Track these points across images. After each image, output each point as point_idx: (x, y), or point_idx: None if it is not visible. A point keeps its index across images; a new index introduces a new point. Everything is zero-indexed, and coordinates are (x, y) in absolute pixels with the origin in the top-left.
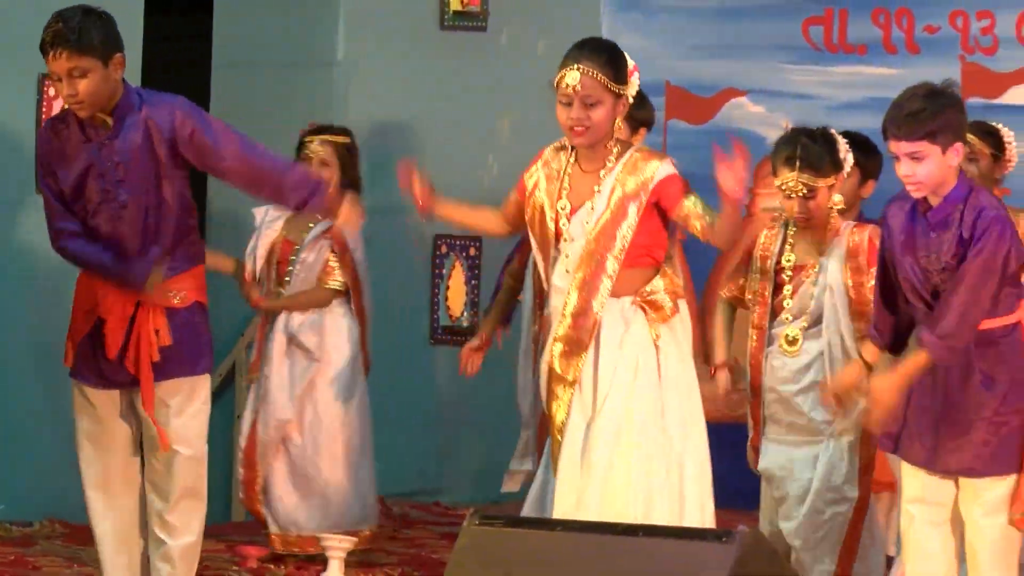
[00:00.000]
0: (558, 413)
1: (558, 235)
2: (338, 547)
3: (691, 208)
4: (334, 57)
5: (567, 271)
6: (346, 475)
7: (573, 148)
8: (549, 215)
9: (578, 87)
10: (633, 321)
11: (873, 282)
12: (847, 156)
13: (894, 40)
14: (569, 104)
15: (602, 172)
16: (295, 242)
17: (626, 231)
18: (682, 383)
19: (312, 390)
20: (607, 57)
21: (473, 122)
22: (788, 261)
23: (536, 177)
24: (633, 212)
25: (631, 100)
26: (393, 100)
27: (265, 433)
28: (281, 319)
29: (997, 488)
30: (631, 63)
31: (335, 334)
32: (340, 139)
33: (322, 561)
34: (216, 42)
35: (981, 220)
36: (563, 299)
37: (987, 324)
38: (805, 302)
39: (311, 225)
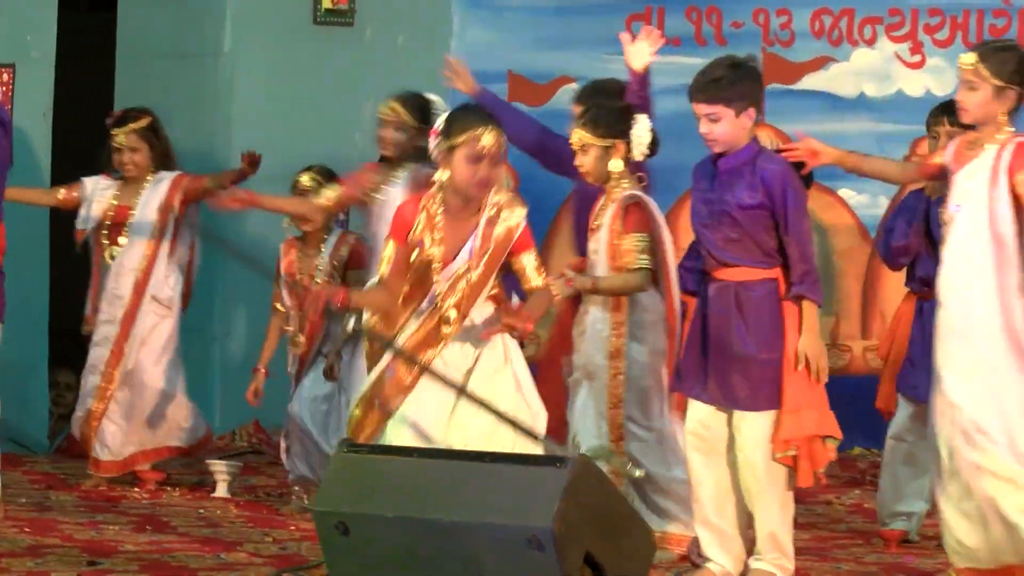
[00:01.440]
0: None
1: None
2: (223, 471)
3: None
4: (221, 48)
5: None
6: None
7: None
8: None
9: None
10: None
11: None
12: (641, 132)
13: (704, 33)
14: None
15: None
16: (130, 207)
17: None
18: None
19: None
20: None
21: (342, 105)
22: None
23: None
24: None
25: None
26: (274, 87)
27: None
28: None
29: (761, 423)
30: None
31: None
32: (141, 123)
33: (210, 484)
34: (120, 35)
35: (773, 174)
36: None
37: (751, 275)
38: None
39: (141, 191)
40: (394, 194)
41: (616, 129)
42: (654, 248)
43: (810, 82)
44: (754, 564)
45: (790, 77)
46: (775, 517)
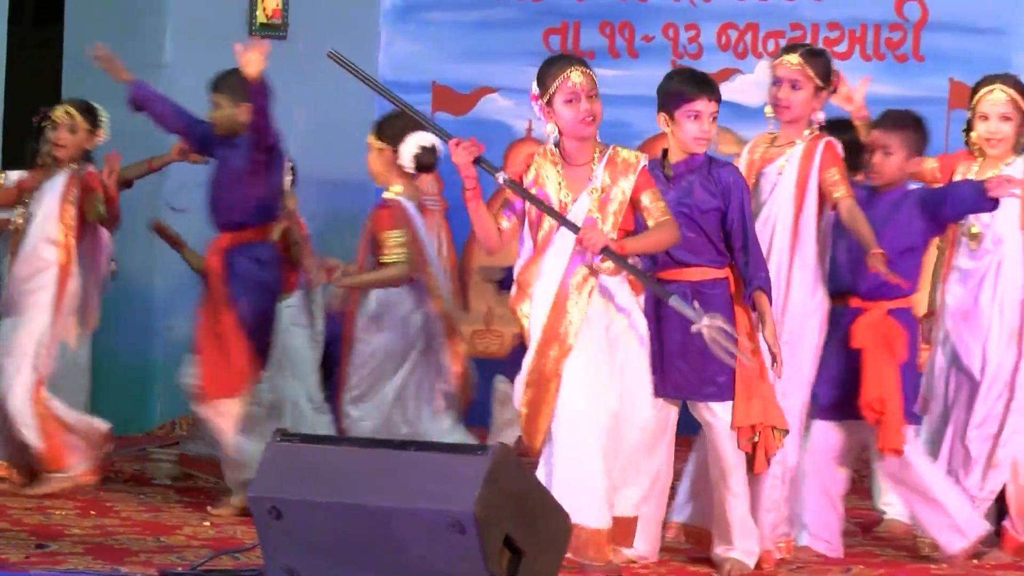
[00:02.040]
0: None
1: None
2: (164, 459)
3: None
4: (162, 59)
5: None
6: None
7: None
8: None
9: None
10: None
11: None
12: (406, 146)
13: (617, 47)
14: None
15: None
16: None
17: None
18: None
19: None
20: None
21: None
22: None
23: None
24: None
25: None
26: None
27: None
28: None
29: (728, 412)
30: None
31: None
32: (84, 105)
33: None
34: (66, 48)
35: (729, 178)
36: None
37: (707, 275)
38: None
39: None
40: (50, 193)
41: (392, 136)
42: (408, 245)
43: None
44: (727, 553)
45: None
46: (743, 503)
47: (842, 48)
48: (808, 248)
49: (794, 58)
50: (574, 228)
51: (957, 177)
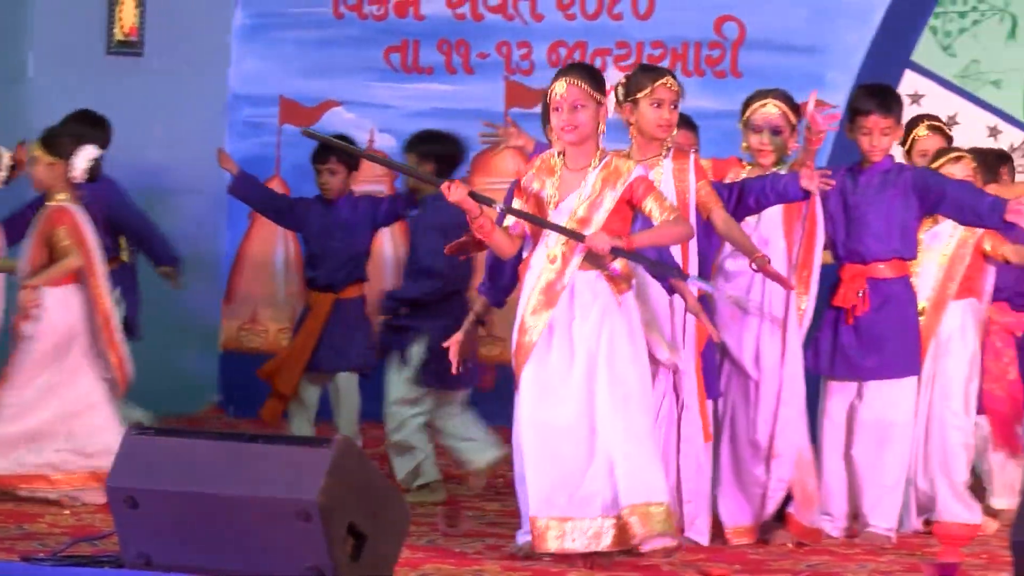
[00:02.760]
0: None
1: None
2: None
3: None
4: (25, 75)
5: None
6: None
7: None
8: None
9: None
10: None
11: None
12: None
13: (454, 64)
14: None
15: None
16: None
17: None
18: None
19: None
20: (588, 72)
21: (132, 129)
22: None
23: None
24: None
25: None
26: (72, 111)
27: None
28: None
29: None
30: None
31: None
32: None
33: None
34: None
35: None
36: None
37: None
38: None
39: None
40: None
41: (60, 151)
42: (77, 246)
43: None
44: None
45: (530, 102)
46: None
47: (664, 65)
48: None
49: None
50: (579, 237)
51: (728, 180)
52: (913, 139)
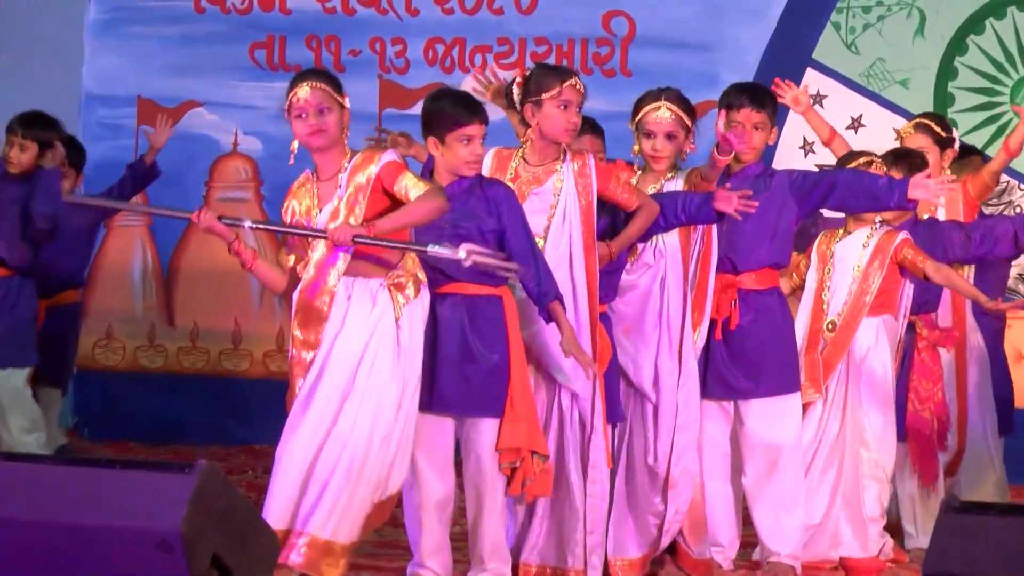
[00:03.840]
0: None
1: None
2: None
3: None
4: None
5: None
6: None
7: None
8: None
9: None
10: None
11: None
12: None
13: (324, 61)
14: None
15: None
16: None
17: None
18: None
19: None
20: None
21: None
22: None
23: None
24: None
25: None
26: None
27: None
28: None
29: (493, 429)
30: None
31: None
32: None
33: None
34: None
35: (500, 195)
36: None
37: (482, 291)
38: None
39: None
40: None
41: None
42: None
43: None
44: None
45: (405, 102)
46: (498, 524)
47: (550, 62)
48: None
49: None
50: (320, 234)
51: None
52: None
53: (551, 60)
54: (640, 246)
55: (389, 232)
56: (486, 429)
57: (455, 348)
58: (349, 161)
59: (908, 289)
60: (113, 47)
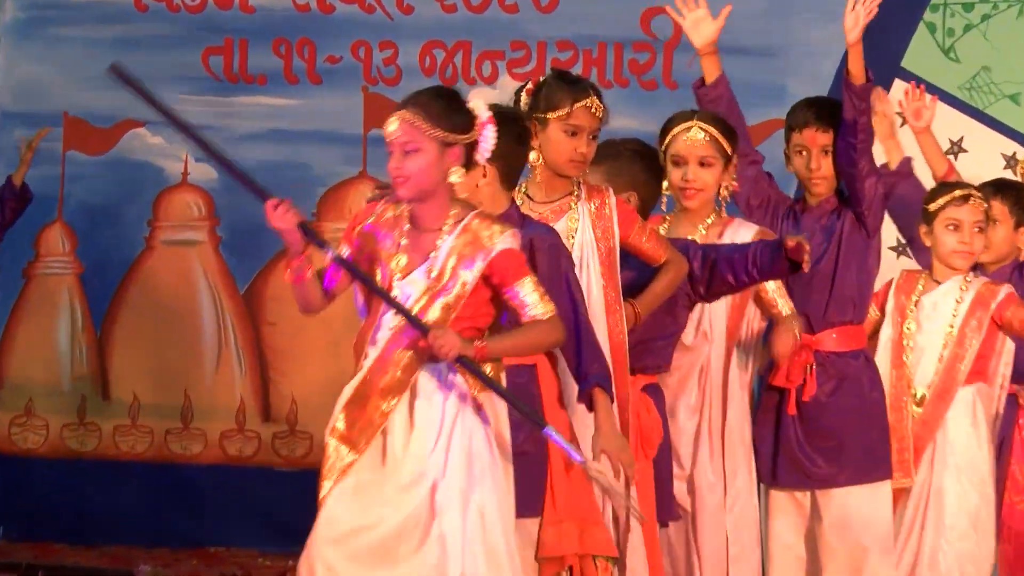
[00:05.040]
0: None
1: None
2: None
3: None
4: None
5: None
6: None
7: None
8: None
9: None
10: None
11: None
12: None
13: (295, 70)
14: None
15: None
16: None
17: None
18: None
19: None
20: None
21: None
22: None
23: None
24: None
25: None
26: None
27: None
28: None
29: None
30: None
31: None
32: None
33: None
34: None
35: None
36: None
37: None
38: None
39: None
40: None
41: None
42: None
43: None
44: None
45: None
46: None
47: (576, 72)
48: None
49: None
50: (422, 328)
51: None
52: None
53: (576, 68)
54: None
55: (499, 355)
56: (519, 532)
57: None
58: (457, 221)
59: (1008, 353)
60: (35, 53)
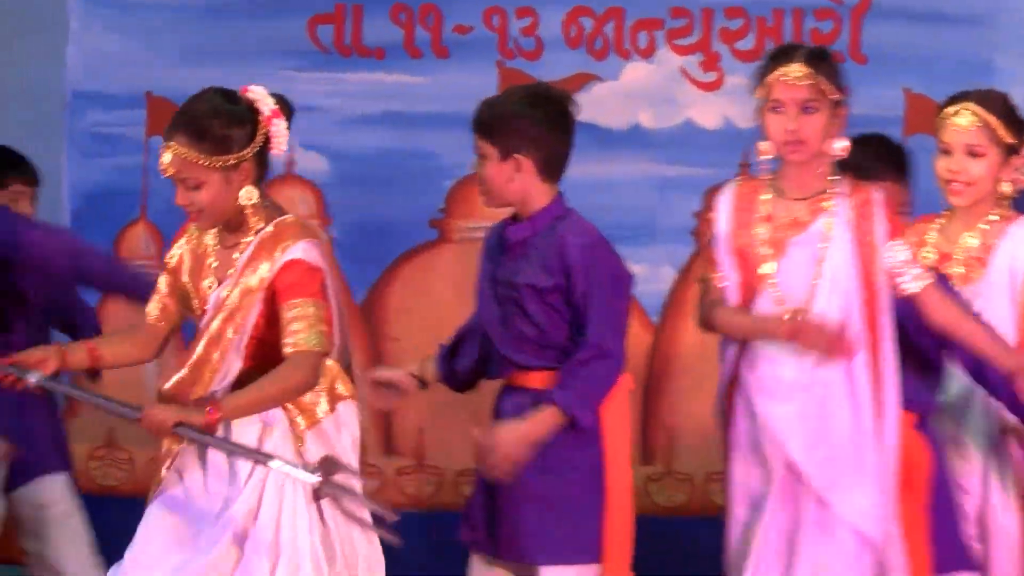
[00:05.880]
0: None
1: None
2: None
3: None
4: None
5: None
6: None
7: None
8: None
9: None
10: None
11: None
12: None
13: (418, 42)
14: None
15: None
16: None
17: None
18: None
19: None
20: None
21: None
22: None
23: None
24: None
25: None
26: None
27: None
28: None
29: None
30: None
31: None
32: None
33: None
34: None
35: (576, 254)
36: None
37: (542, 382)
38: None
39: None
40: None
41: None
42: None
43: None
44: None
45: None
46: None
47: (747, 44)
48: None
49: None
50: (132, 415)
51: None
52: None
53: (748, 40)
54: None
55: (240, 416)
56: None
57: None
58: (257, 232)
59: None
60: (110, 21)
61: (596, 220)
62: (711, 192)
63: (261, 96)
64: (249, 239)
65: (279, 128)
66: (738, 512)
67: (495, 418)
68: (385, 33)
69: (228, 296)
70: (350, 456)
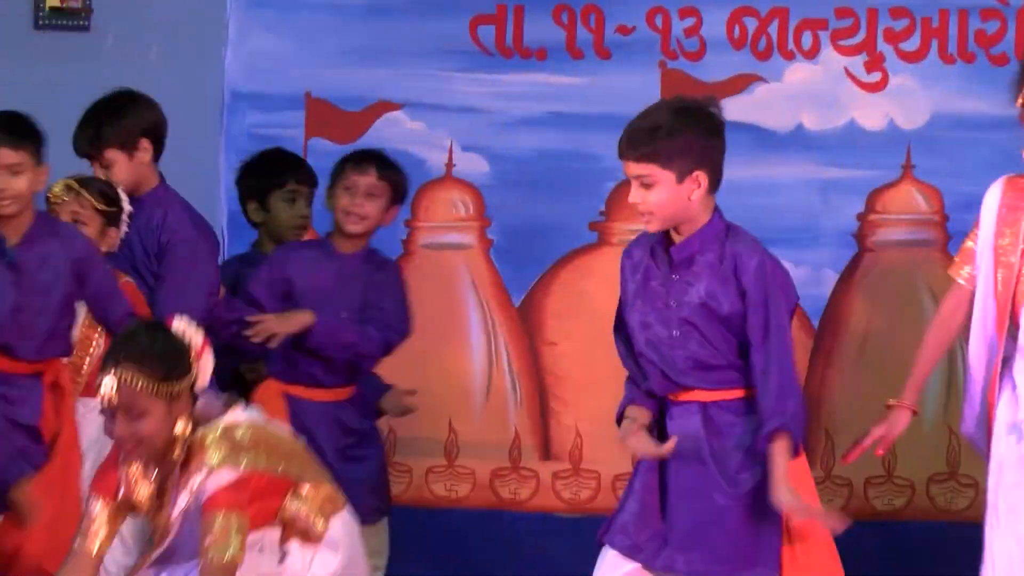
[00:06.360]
0: None
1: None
2: None
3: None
4: None
5: None
6: None
7: None
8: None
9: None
10: None
11: None
12: None
13: (580, 43)
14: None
15: None
16: None
17: None
18: None
19: None
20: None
21: (71, 130)
22: None
23: None
24: None
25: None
26: None
27: None
28: None
29: None
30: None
31: None
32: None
33: None
34: None
35: (752, 270)
36: None
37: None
38: None
39: None
40: None
41: None
42: None
43: (728, 109)
44: None
45: None
46: None
47: (912, 45)
48: None
49: None
50: None
51: None
52: None
53: (913, 41)
54: None
55: None
56: None
57: (690, 476)
58: (183, 450)
59: None
60: (269, 22)
61: (758, 222)
62: (874, 194)
63: (189, 330)
64: (175, 472)
65: (206, 362)
66: None
67: (660, 435)
68: (547, 34)
69: (168, 526)
70: None
